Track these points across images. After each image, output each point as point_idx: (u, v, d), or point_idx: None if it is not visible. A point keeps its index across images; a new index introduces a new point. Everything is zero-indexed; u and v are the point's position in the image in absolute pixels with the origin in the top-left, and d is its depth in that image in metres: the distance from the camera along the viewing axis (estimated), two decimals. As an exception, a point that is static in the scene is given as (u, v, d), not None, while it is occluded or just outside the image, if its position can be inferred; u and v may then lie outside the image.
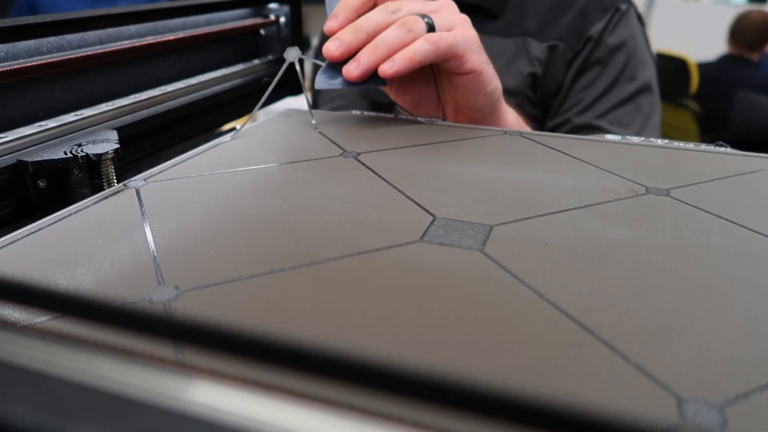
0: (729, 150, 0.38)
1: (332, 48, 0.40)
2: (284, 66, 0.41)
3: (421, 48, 0.39)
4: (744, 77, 2.11)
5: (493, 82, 0.45)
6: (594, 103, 0.63)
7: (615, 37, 0.63)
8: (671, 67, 2.22)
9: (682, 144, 0.39)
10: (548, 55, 0.63)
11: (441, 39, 0.40)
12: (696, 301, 0.22)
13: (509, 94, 0.58)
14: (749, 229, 0.27)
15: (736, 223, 0.28)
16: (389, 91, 0.48)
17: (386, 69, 0.39)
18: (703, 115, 2.12)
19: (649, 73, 0.65)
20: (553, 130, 0.64)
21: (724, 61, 2.19)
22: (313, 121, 0.43)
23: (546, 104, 0.66)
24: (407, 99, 0.47)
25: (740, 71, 2.13)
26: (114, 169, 0.35)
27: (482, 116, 0.46)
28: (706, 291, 0.22)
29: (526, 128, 0.51)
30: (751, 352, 0.19)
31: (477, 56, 0.43)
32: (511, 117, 0.50)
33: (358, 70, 0.39)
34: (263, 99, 0.43)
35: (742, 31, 2.14)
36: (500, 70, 0.63)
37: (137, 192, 0.32)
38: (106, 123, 0.39)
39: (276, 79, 0.42)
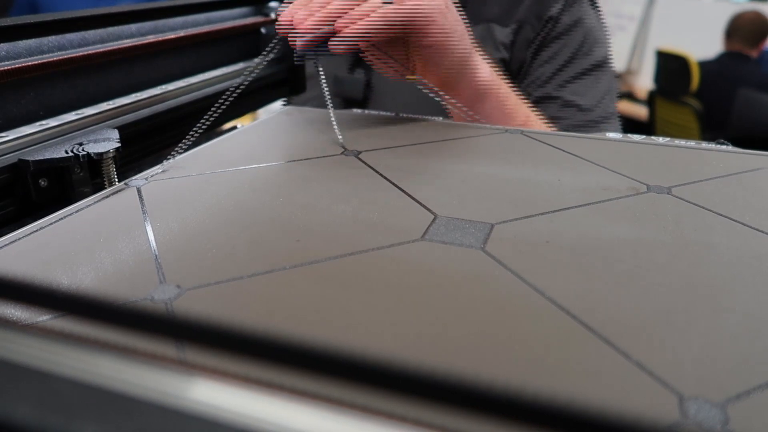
0: (730, 148, 0.38)
1: (286, 18, 0.39)
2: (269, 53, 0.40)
3: (374, 25, 0.37)
4: (745, 75, 2.10)
5: (459, 49, 0.44)
6: (553, 76, 0.65)
7: (570, 16, 0.66)
8: (672, 65, 2.22)
9: (683, 142, 0.39)
10: (513, 38, 0.65)
11: (397, 14, 0.38)
12: (697, 298, 0.22)
13: None
14: (750, 227, 0.27)
15: (737, 221, 0.28)
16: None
17: (334, 46, 0.37)
18: (704, 112, 2.12)
19: (604, 51, 0.68)
20: None
21: (724, 58, 2.18)
22: (340, 139, 0.39)
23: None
24: (376, 52, 0.46)
25: (741, 68, 2.13)
26: (115, 168, 0.35)
27: (450, 76, 0.45)
28: (707, 289, 0.22)
29: (503, 85, 0.51)
30: (753, 350, 0.19)
31: (439, 26, 0.41)
32: (484, 74, 0.49)
33: (309, 23, 0.37)
34: (254, 71, 0.42)
35: (737, 31, 2.15)
36: None
37: (138, 191, 0.32)
38: (107, 122, 0.39)
39: (264, 57, 0.41)
